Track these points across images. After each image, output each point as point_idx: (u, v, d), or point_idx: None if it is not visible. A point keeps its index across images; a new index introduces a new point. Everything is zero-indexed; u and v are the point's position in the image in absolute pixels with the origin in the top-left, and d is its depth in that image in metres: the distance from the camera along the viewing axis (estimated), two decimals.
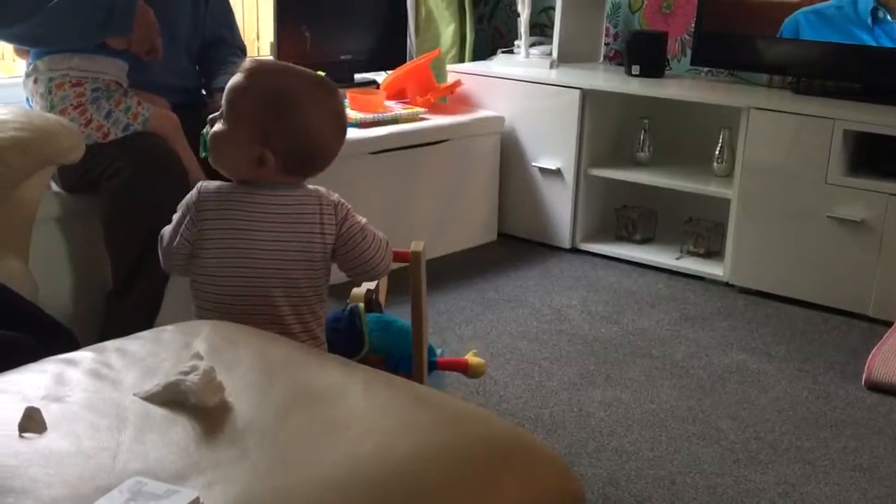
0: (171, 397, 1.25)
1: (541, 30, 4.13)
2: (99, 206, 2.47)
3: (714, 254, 3.51)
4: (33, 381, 1.33)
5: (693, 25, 3.66)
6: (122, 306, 2.49)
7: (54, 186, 2.55)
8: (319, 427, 1.24)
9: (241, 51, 2.89)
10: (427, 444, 1.23)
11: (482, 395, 2.55)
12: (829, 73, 3.40)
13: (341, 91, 1.94)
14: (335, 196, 1.79)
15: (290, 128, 1.71)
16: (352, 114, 3.38)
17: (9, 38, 2.54)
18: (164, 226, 1.84)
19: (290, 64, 1.83)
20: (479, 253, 3.70)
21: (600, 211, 3.76)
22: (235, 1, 3.01)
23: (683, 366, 2.77)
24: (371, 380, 1.38)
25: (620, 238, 3.72)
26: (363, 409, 1.30)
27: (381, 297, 2.27)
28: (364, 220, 1.82)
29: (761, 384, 2.67)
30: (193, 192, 1.77)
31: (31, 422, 1.20)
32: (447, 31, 4.06)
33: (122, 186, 2.41)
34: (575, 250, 3.69)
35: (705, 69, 3.78)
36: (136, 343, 1.45)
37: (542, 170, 3.69)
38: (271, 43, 3.58)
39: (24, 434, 1.19)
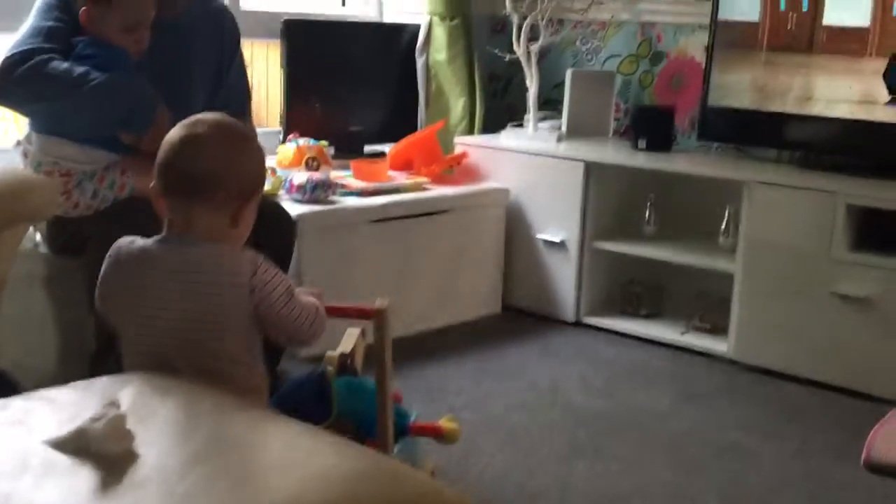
0: (79, 445, 1.23)
1: (553, 105, 4.14)
2: (82, 268, 2.49)
3: (721, 329, 3.43)
4: None
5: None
6: (104, 367, 2.47)
7: (42, 248, 2.58)
8: (228, 477, 1.21)
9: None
10: (339, 495, 1.19)
11: (464, 465, 2.49)
12: (838, 148, 3.34)
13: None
14: (251, 254, 1.68)
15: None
16: (354, 183, 3.40)
17: (20, 110, 2.55)
18: None
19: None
20: (482, 325, 3.65)
21: (606, 284, 3.71)
22: None
23: (676, 442, 2.69)
24: (294, 431, 1.35)
25: (625, 312, 3.66)
26: (279, 458, 1.26)
27: (358, 362, 2.23)
28: (289, 284, 1.70)
29: (755, 463, 2.58)
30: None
31: None
32: (457, 105, 4.08)
33: (106, 251, 2.42)
34: (579, 324, 3.64)
35: (715, 144, 3.75)
36: (65, 392, 1.44)
37: (547, 242, 3.66)
38: (280, 114, 3.64)
39: None
